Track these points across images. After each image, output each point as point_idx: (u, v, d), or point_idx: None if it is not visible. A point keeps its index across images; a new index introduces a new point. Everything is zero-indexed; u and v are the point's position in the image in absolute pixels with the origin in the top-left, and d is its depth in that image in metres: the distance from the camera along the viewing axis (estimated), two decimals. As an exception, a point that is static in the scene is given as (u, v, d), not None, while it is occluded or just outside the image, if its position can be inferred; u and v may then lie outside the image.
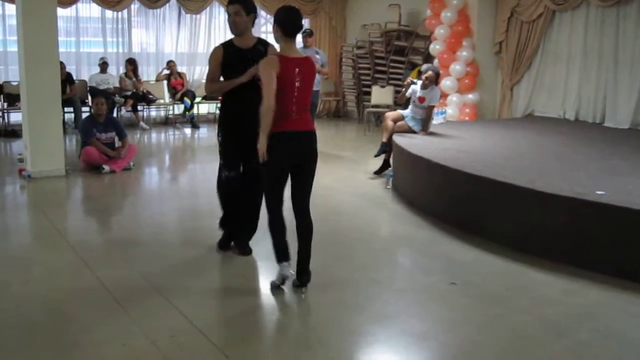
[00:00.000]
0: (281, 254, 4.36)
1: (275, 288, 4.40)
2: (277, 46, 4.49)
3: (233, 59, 4.84)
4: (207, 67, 5.01)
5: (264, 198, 4.42)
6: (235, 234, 5.21)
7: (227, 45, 4.93)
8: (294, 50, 4.28)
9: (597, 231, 4.88)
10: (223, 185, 5.13)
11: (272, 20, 4.77)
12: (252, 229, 5.21)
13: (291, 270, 4.36)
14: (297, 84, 4.17)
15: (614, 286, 4.59)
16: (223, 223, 5.25)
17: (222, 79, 4.95)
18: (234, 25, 4.84)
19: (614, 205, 4.77)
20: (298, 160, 4.29)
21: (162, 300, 4.20)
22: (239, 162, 5.03)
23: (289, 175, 4.34)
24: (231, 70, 4.86)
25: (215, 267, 4.95)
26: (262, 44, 4.98)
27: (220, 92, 5.02)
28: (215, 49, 4.99)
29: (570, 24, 10.21)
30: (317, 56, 9.09)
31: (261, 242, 5.28)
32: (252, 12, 4.88)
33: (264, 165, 4.22)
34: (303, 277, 4.39)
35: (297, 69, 4.18)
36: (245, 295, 4.46)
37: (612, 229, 4.81)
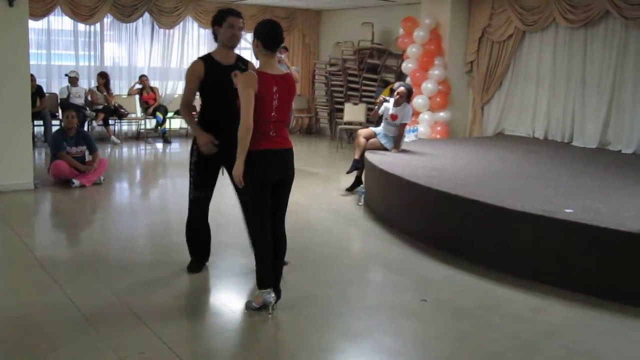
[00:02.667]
0: (266, 280, 4.23)
1: (252, 309, 4.31)
2: (256, 62, 4.39)
3: (213, 75, 4.66)
4: (183, 83, 4.85)
5: (246, 220, 4.28)
6: (202, 255, 5.11)
7: (207, 59, 4.74)
8: (273, 67, 4.17)
9: (566, 249, 4.95)
10: (190, 206, 4.98)
11: (247, 36, 4.72)
12: None
13: (273, 294, 4.28)
14: (275, 102, 4.07)
15: (582, 303, 4.65)
16: (190, 247, 5.13)
17: (198, 95, 4.83)
18: (235, 39, 4.71)
19: (582, 224, 4.84)
20: (277, 178, 4.21)
21: (132, 316, 4.14)
22: (211, 184, 4.91)
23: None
24: (211, 88, 4.71)
25: (186, 283, 4.91)
26: (243, 61, 4.83)
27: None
28: (194, 63, 4.75)
29: (540, 44, 10.39)
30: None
31: (232, 259, 5.27)
32: None
33: (245, 189, 4.15)
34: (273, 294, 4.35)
35: (276, 87, 4.08)
36: (216, 312, 4.43)
37: (580, 246, 4.88)
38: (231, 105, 4.45)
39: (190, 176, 4.90)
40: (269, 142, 4.13)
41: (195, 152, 4.82)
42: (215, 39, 4.81)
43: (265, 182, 4.15)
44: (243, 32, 4.81)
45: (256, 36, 4.14)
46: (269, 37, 4.11)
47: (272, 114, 4.09)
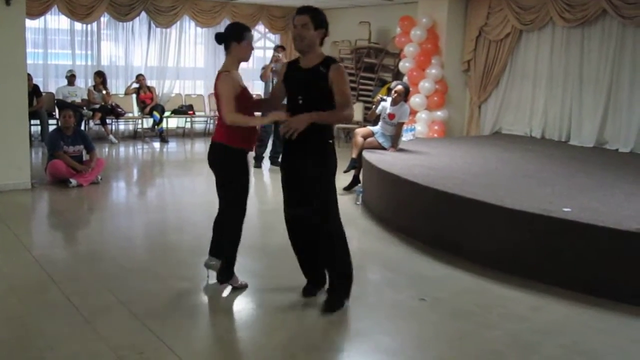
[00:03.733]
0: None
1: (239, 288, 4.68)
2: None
3: (289, 79, 4.38)
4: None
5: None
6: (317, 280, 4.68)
7: (291, 63, 4.48)
8: (223, 65, 4.55)
9: (564, 248, 4.95)
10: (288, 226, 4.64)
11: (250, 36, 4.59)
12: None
13: (213, 261, 4.73)
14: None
15: (581, 302, 4.66)
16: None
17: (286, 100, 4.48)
18: (298, 39, 4.23)
19: (580, 222, 4.85)
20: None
21: (130, 316, 4.14)
22: (295, 198, 4.56)
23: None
24: (288, 92, 4.43)
25: (185, 283, 4.89)
26: (325, 64, 4.26)
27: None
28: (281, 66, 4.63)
29: (537, 43, 10.40)
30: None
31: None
32: (321, 27, 4.25)
33: None
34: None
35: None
36: (215, 313, 4.42)
37: (578, 245, 4.88)
38: (296, 109, 4.28)
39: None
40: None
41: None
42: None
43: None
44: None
45: None
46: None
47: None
